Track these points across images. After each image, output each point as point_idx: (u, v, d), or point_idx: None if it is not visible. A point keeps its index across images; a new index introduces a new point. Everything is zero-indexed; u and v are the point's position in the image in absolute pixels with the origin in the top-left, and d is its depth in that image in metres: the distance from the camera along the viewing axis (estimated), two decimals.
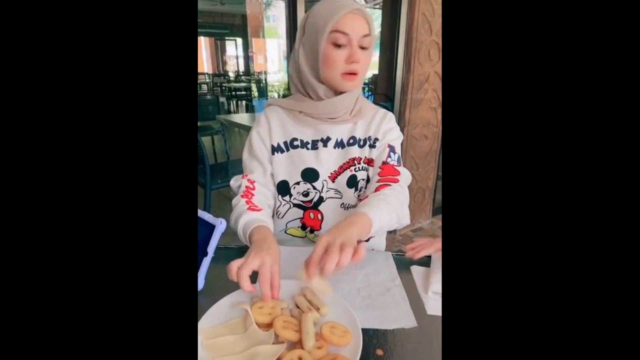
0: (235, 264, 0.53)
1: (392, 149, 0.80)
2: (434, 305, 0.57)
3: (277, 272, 0.55)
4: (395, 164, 0.79)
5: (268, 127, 0.81)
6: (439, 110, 2.15)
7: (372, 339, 0.51)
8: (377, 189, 0.73)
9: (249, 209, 0.72)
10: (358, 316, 0.51)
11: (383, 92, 2.18)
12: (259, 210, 0.74)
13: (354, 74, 0.72)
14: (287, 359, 0.44)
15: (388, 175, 0.76)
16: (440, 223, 2.39)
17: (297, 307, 0.55)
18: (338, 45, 0.70)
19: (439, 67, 2.05)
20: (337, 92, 0.76)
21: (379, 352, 0.48)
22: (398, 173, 0.77)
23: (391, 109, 2.02)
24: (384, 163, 0.78)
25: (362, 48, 0.71)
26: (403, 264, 0.70)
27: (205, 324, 0.51)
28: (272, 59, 9.09)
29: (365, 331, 0.50)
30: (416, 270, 0.67)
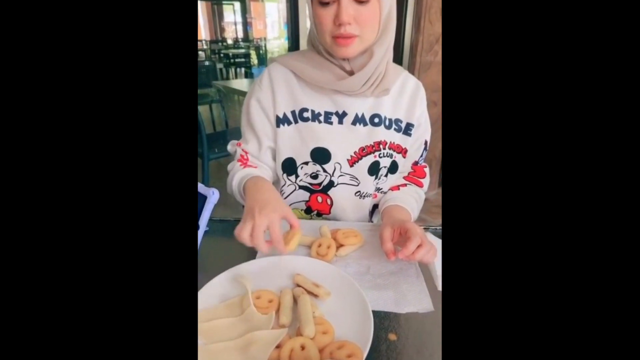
0: (245, 232, 0.49)
1: (426, 145, 0.75)
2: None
3: (291, 218, 0.54)
4: (424, 164, 0.78)
5: (271, 92, 0.67)
6: None
7: (383, 321, 0.45)
8: (402, 185, 0.74)
9: (243, 167, 0.67)
10: (368, 297, 0.45)
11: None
12: (255, 167, 0.69)
13: (347, 37, 0.57)
14: (289, 347, 0.38)
15: (416, 176, 0.76)
16: None
17: (299, 285, 0.49)
18: (324, 3, 0.56)
19: None
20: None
21: (392, 336, 0.43)
22: (425, 175, 0.77)
23: None
24: (416, 163, 0.76)
25: (360, 2, 0.55)
26: None
27: (198, 305, 0.45)
28: (271, 24, 8.70)
29: (375, 313, 0.44)
30: None
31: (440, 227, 0.67)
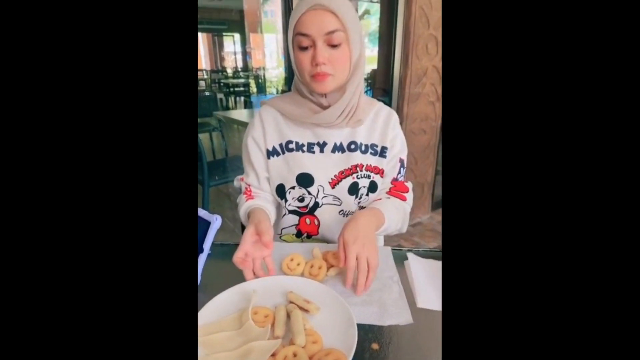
0: (236, 258, 0.60)
1: (402, 163, 0.82)
2: (423, 298, 0.58)
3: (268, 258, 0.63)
4: (404, 180, 0.83)
5: (262, 130, 0.79)
6: (437, 105, 2.14)
7: (368, 333, 0.51)
8: (385, 198, 0.78)
9: (247, 200, 0.78)
10: (355, 312, 0.51)
11: (381, 86, 2.17)
12: (254, 198, 0.79)
13: (323, 75, 0.68)
14: (282, 355, 0.44)
15: (398, 190, 0.82)
16: (439, 217, 2.39)
17: (292, 302, 0.55)
18: (303, 48, 0.67)
19: (436, 61, 2.04)
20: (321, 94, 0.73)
21: (375, 346, 0.48)
22: (407, 190, 0.82)
23: (389, 103, 2.02)
24: (395, 180, 0.82)
25: (333, 46, 0.66)
26: (399, 258, 0.70)
27: (201, 320, 0.51)
28: (270, 54, 9.03)
29: (360, 326, 0.50)
30: (409, 265, 0.67)
31: (434, 250, 0.73)
